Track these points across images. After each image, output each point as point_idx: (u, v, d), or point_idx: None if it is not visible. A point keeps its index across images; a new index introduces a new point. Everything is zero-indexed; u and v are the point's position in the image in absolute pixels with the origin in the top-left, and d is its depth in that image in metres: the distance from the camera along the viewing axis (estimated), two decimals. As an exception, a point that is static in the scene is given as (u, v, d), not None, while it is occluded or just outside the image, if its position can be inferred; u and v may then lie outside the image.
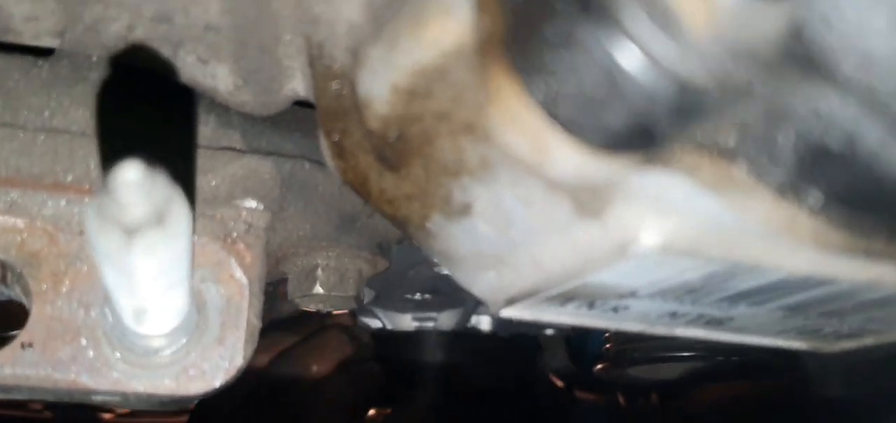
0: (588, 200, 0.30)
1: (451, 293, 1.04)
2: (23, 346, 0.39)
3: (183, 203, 0.26)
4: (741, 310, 0.38)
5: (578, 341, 1.25)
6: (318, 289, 0.51)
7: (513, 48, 0.20)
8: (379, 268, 0.54)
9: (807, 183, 0.21)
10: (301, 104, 0.43)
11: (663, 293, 0.35)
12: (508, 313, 0.39)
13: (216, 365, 0.40)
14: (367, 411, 1.06)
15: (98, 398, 0.42)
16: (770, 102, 0.20)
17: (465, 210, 0.35)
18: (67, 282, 0.40)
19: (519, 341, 1.27)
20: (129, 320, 0.34)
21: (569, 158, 0.20)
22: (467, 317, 1.19)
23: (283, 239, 0.48)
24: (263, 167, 0.43)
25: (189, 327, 0.40)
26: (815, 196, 0.22)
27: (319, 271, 0.51)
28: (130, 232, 0.25)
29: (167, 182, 0.25)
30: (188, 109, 0.41)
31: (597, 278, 0.33)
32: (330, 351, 0.97)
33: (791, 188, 0.22)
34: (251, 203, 0.43)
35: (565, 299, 0.37)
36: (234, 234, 0.42)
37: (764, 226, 0.23)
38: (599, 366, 1.15)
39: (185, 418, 1.10)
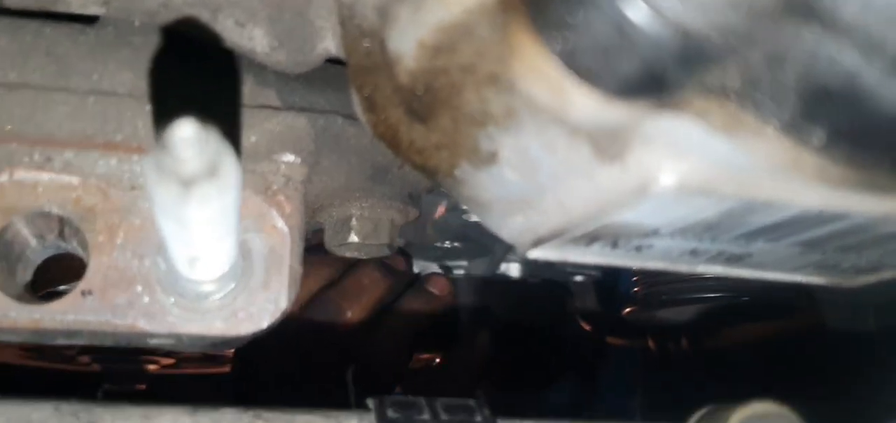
0: (608, 145, 0.32)
1: (479, 241, 1.06)
2: (83, 294, 0.42)
3: (233, 157, 0.29)
4: (759, 246, 0.40)
5: (608, 285, 1.27)
6: (353, 238, 0.53)
7: (531, 5, 0.21)
8: (410, 217, 0.57)
9: (810, 122, 0.23)
10: (332, 61, 0.45)
11: (683, 231, 0.37)
12: (535, 254, 0.41)
13: (262, 308, 0.43)
14: (412, 357, 1.07)
15: (153, 342, 0.44)
16: (772, 47, 0.21)
17: (492, 158, 0.37)
18: (121, 234, 0.43)
19: (548, 288, 1.29)
20: (183, 267, 0.37)
21: (587, 104, 0.22)
22: (496, 265, 1.21)
23: (320, 190, 0.50)
24: (299, 123, 0.45)
25: (236, 274, 0.42)
26: (817, 135, 0.23)
27: (354, 221, 0.53)
28: (186, 184, 0.27)
29: (219, 137, 0.27)
30: (230, 69, 0.44)
31: (619, 218, 0.34)
32: (367, 292, 0.95)
33: (794, 128, 0.23)
34: (289, 157, 0.45)
35: (590, 239, 0.39)
36: (274, 186, 0.45)
37: (770, 164, 0.25)
38: (628, 309, 1.17)
39: (226, 366, 1.12)
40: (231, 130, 0.43)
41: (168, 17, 0.40)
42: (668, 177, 0.30)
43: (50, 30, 0.44)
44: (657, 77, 0.21)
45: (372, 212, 0.53)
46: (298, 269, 0.44)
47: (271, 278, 0.43)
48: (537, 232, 0.39)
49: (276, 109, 0.45)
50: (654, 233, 0.37)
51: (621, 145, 0.31)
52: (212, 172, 0.28)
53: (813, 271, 0.45)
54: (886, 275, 0.46)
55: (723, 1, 0.19)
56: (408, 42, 0.31)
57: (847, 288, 0.49)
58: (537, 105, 0.24)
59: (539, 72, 0.22)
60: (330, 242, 0.55)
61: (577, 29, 0.20)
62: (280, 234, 0.44)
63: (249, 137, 0.44)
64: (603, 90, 0.22)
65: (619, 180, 0.32)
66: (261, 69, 0.45)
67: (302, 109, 0.46)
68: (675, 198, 0.31)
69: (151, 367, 1.28)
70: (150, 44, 0.44)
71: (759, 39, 0.21)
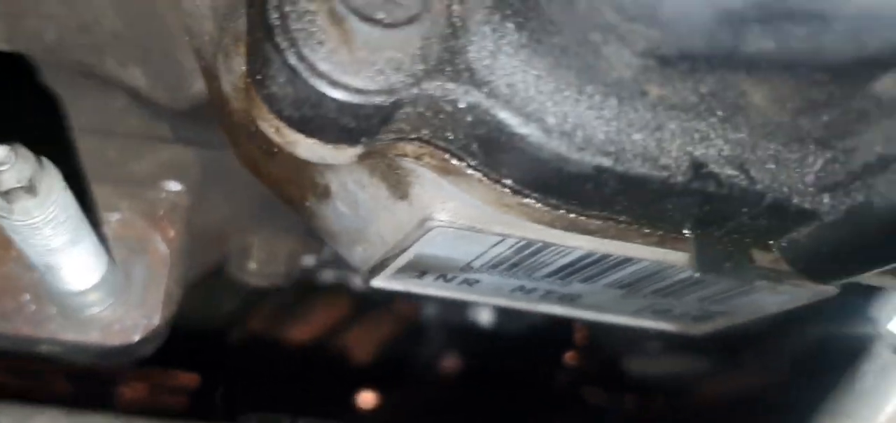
0: (397, 184, 0.36)
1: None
2: (-25, 300, 0.47)
3: (53, 174, 0.33)
4: (578, 287, 0.43)
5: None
6: (252, 265, 0.58)
7: (249, 55, 0.26)
8: (313, 248, 0.61)
9: (497, 166, 0.27)
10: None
11: (494, 267, 0.41)
12: (377, 283, 0.44)
13: (136, 323, 0.47)
14: (356, 390, 1.09)
15: (43, 348, 0.49)
16: (439, 102, 0.25)
17: (326, 192, 0.41)
18: (15, 249, 0.47)
19: (519, 332, 1.30)
20: (48, 277, 0.42)
21: (308, 149, 0.26)
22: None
23: (215, 220, 0.54)
24: (186, 155, 0.50)
25: (115, 290, 0.47)
26: (507, 176, 0.27)
27: (253, 250, 0.58)
28: (7, 199, 0.32)
29: (32, 157, 0.32)
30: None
31: (423, 251, 0.38)
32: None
33: (486, 170, 0.27)
34: (174, 186, 0.50)
35: (418, 271, 0.43)
36: (159, 212, 0.49)
37: (484, 202, 0.29)
38: (569, 354, 1.17)
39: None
40: (70, 157, 0.47)
41: (61, 55, 0.45)
42: (440, 214, 0.34)
43: None
44: (347, 127, 0.25)
45: (269, 242, 0.58)
46: (177, 290, 0.49)
47: (148, 296, 0.48)
48: (370, 261, 0.43)
49: (165, 141, 0.50)
50: (469, 268, 0.41)
51: (406, 185, 0.35)
52: (30, 188, 0.32)
53: (651, 315, 0.49)
54: (721, 323, 0.49)
55: (371, 64, 0.23)
56: (228, 85, 0.36)
57: (695, 335, 0.52)
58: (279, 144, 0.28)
59: (260, 113, 0.26)
60: (233, 268, 0.59)
61: (273, 81, 0.25)
62: (161, 255, 0.48)
63: (140, 166, 0.49)
64: (313, 136, 0.26)
65: (408, 216, 0.36)
66: (156, 106, 0.50)
67: (190, 142, 0.50)
68: (455, 233, 0.35)
69: (126, 390, 1.32)
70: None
71: (423, 95, 0.25)
